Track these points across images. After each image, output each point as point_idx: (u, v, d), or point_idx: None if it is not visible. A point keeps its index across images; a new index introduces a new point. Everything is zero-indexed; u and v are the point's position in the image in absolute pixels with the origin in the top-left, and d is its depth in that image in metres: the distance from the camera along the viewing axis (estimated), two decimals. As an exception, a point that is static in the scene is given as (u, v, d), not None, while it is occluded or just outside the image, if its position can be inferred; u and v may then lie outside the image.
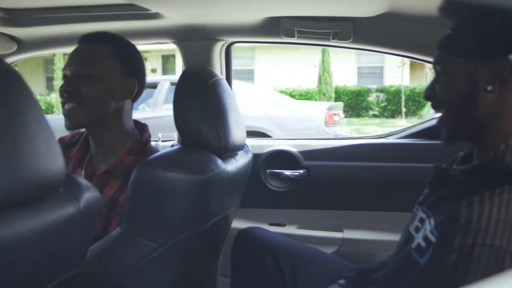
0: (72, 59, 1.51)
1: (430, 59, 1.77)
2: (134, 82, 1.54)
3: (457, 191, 1.02)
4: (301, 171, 2.03)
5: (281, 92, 11.37)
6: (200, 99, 1.51)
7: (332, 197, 2.03)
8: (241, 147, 1.71)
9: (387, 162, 1.96)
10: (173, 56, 14.90)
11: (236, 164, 1.64)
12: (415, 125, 2.10)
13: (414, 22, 1.67)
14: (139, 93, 1.58)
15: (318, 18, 1.77)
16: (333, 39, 1.80)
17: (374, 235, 1.94)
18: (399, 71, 14.80)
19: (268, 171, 2.08)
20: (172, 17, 1.76)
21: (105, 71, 1.49)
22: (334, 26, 1.77)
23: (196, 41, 1.97)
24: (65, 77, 1.50)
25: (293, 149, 2.07)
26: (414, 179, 1.87)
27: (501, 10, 0.92)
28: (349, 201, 2.02)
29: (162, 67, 16.19)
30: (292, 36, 1.82)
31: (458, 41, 1.03)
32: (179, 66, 10.64)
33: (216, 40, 1.98)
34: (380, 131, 11.39)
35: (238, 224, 1.93)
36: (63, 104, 1.48)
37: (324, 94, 13.26)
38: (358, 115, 13.29)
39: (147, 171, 1.32)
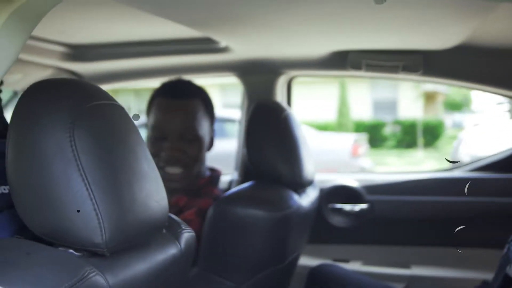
0: (170, 117, 1.45)
1: (505, 92, 1.75)
2: (214, 132, 1.52)
3: None
4: (365, 206, 1.98)
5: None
6: (274, 134, 1.49)
7: (397, 232, 1.97)
8: (312, 181, 1.68)
9: (454, 196, 1.91)
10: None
11: (308, 199, 1.60)
12: (482, 158, 2.05)
13: (489, 55, 1.65)
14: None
15: (387, 51, 1.75)
16: (401, 71, 1.78)
17: (444, 272, 1.87)
18: (413, 104, 14.77)
19: (329, 206, 2.03)
20: (239, 51, 1.76)
21: (203, 129, 1.47)
22: (404, 59, 1.75)
23: (259, 74, 1.96)
24: (162, 137, 1.45)
25: (355, 184, 2.03)
26: (486, 214, 1.84)
27: None
28: (416, 236, 1.96)
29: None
30: (359, 69, 1.80)
31: None
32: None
33: (280, 74, 1.97)
34: (399, 162, 11.31)
35: (302, 260, 1.87)
36: (162, 167, 1.42)
37: (343, 127, 13.24)
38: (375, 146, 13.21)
39: (227, 208, 1.29)
